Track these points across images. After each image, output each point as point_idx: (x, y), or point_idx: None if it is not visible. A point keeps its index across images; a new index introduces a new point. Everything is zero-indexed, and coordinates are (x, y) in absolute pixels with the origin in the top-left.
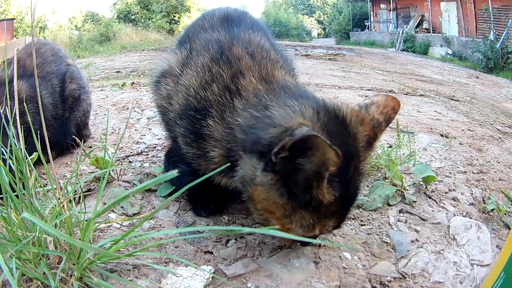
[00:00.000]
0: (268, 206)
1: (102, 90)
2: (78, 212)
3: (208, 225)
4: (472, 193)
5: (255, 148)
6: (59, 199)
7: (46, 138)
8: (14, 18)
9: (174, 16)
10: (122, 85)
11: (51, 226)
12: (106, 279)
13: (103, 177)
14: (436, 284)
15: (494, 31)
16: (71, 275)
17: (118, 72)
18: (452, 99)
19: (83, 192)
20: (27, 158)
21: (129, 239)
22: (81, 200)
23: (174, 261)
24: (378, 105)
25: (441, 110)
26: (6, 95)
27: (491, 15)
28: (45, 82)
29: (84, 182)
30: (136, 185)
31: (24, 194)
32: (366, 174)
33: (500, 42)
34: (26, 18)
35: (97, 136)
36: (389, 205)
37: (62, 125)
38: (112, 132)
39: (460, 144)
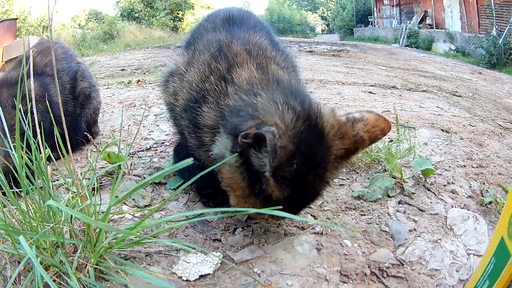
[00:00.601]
0: (231, 184)
1: (108, 88)
2: (93, 204)
3: (216, 214)
4: (470, 186)
5: (233, 132)
6: (77, 190)
7: (63, 132)
8: (17, 18)
9: (177, 13)
10: (128, 83)
11: (76, 211)
12: (120, 265)
13: (117, 171)
14: (433, 271)
15: (497, 27)
16: (86, 263)
17: (123, 70)
18: (454, 95)
19: (99, 185)
20: (41, 153)
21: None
22: (96, 191)
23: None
24: (366, 123)
25: (443, 106)
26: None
27: (493, 11)
28: (54, 80)
29: (97, 176)
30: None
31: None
32: (331, 182)
33: (502, 38)
34: (29, 17)
35: (105, 133)
36: (388, 196)
37: (73, 121)
38: (121, 129)
39: (461, 139)
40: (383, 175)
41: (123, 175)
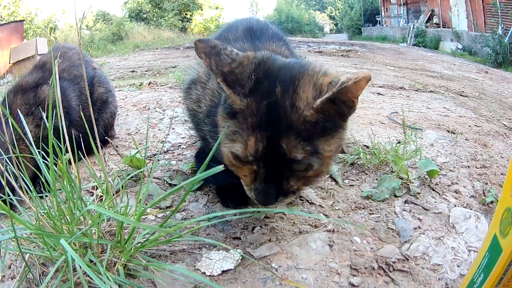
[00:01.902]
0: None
1: (120, 90)
2: (120, 205)
3: (235, 215)
4: (473, 187)
5: None
6: (107, 193)
7: (80, 136)
8: (24, 20)
9: (186, 14)
10: (140, 85)
11: (117, 214)
12: (148, 263)
13: (142, 175)
14: (435, 266)
15: (502, 26)
16: (115, 263)
17: (133, 71)
18: (461, 95)
19: (118, 189)
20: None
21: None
22: (121, 194)
23: (207, 246)
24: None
25: (450, 106)
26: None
27: (498, 10)
28: (73, 85)
29: (117, 179)
30: (166, 181)
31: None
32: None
33: (508, 36)
34: (35, 19)
35: (121, 136)
36: (395, 196)
37: (90, 126)
38: (137, 132)
39: (466, 139)
40: (391, 176)
41: (143, 178)
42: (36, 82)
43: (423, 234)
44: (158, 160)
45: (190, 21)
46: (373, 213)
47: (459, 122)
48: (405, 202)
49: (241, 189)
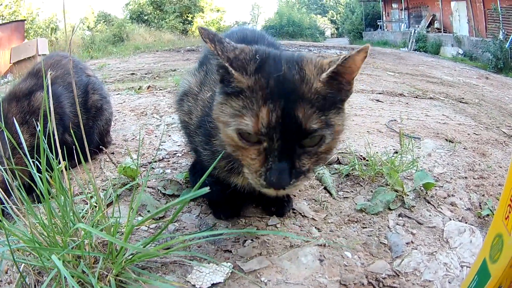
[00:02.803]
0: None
1: (118, 94)
2: (110, 217)
3: (227, 227)
4: (470, 199)
5: None
6: (96, 206)
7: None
8: (25, 20)
9: (187, 17)
10: (139, 89)
11: (105, 233)
12: (138, 275)
13: (135, 187)
14: (426, 282)
15: (503, 31)
16: (107, 273)
17: (132, 74)
18: (461, 102)
19: (111, 198)
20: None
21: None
22: (114, 203)
23: (198, 258)
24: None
25: (449, 114)
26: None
27: (500, 15)
28: (67, 93)
29: (113, 190)
30: (160, 191)
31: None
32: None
33: (509, 41)
34: (37, 19)
35: (118, 142)
36: (389, 209)
37: (85, 133)
38: (133, 139)
39: (464, 148)
40: (385, 189)
41: (137, 187)
42: (29, 89)
43: (416, 249)
44: (153, 168)
45: (191, 23)
46: (366, 227)
47: (458, 130)
48: (399, 215)
49: (233, 201)
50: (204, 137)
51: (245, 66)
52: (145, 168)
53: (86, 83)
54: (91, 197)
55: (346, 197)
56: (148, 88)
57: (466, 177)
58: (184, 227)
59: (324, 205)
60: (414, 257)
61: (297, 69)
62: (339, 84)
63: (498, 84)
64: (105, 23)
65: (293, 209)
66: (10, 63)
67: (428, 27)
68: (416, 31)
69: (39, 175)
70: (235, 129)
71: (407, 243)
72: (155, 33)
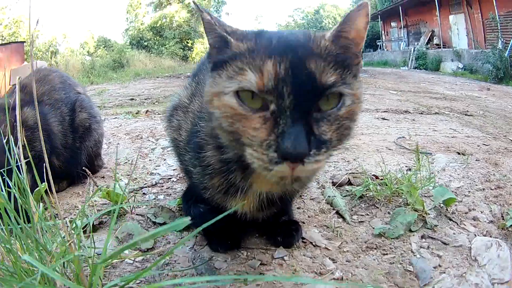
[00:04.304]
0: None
1: (116, 118)
2: (88, 247)
3: (226, 261)
4: (491, 211)
5: None
6: (64, 237)
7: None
8: (24, 41)
9: (187, 42)
10: (137, 113)
11: (52, 270)
12: None
13: (114, 213)
14: None
15: (502, 39)
16: None
17: (132, 99)
18: (466, 114)
19: (95, 225)
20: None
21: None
22: (91, 233)
23: None
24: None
25: (456, 127)
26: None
27: (498, 23)
28: (54, 110)
29: (95, 214)
30: (150, 219)
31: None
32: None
33: (508, 50)
34: (36, 41)
35: (110, 166)
36: (410, 231)
37: (73, 154)
38: (126, 162)
39: (476, 160)
40: (405, 209)
41: (124, 214)
42: (13, 104)
43: (444, 273)
44: (144, 194)
45: (192, 49)
46: (387, 254)
47: (467, 143)
48: (422, 237)
49: (231, 230)
50: (194, 152)
51: (243, 35)
52: (136, 193)
53: (74, 100)
54: (57, 234)
55: (362, 221)
56: (146, 112)
57: (483, 189)
58: (175, 261)
59: (337, 231)
60: (444, 282)
61: (301, 33)
62: (346, 46)
63: (500, 94)
64: (105, 48)
65: (303, 238)
66: (9, 84)
67: (427, 43)
68: (415, 49)
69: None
70: (234, 91)
71: (434, 267)
72: (155, 59)
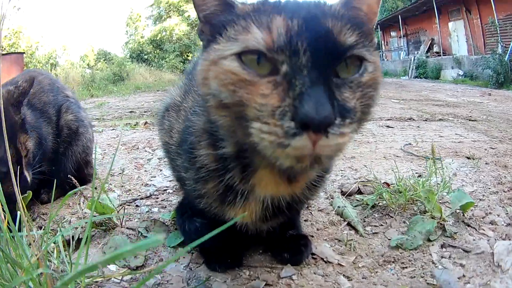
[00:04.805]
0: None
1: (113, 129)
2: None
3: (225, 282)
4: (507, 213)
5: None
6: (36, 255)
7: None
8: (24, 52)
9: (187, 56)
10: (135, 125)
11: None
12: None
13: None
14: None
15: (502, 44)
16: None
17: (131, 112)
18: (469, 120)
19: (82, 239)
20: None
21: None
22: (80, 246)
23: None
24: None
25: (462, 132)
26: None
27: (497, 27)
28: (41, 113)
29: (82, 227)
30: (141, 233)
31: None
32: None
33: (508, 54)
34: (36, 53)
35: (104, 176)
36: (429, 240)
37: (57, 159)
38: (120, 173)
39: (486, 164)
40: (423, 217)
41: (114, 228)
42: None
43: (469, 283)
44: (137, 206)
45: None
46: (406, 267)
47: (475, 147)
48: (442, 246)
49: (231, 247)
50: (186, 153)
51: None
52: (129, 205)
53: (61, 103)
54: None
55: (376, 233)
56: (144, 124)
57: (497, 192)
58: (168, 281)
59: (350, 245)
60: None
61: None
62: (360, 17)
63: (502, 98)
64: (105, 61)
65: (313, 254)
66: None
67: (427, 52)
68: (415, 58)
69: None
70: (236, 53)
71: (458, 278)
72: (155, 72)
